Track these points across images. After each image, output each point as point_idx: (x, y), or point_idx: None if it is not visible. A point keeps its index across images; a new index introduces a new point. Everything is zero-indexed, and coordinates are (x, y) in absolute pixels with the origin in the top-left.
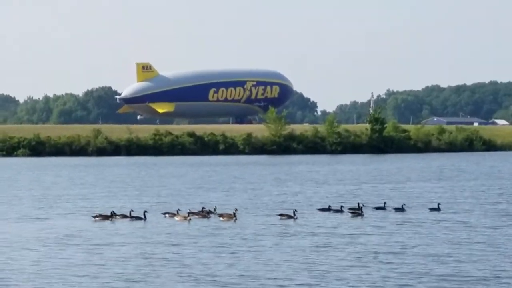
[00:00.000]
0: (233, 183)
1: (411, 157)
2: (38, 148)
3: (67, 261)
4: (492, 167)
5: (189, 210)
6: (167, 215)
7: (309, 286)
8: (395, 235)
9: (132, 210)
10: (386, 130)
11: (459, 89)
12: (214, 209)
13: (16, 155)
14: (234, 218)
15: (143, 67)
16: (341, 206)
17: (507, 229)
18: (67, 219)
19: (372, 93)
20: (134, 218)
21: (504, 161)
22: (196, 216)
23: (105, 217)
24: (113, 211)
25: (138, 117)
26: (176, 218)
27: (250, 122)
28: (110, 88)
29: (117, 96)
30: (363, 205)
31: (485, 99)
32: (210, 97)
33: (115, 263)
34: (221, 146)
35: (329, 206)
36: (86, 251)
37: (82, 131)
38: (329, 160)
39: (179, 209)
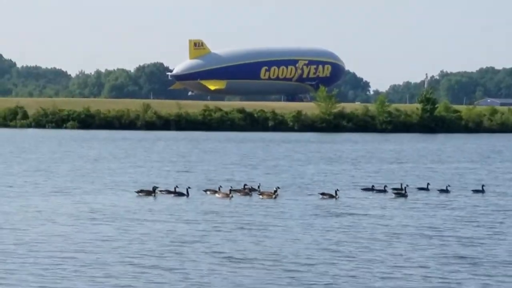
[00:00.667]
0: (277, 160)
1: (461, 137)
2: (87, 121)
3: (96, 235)
4: None
5: (231, 187)
6: (208, 192)
7: (329, 265)
8: (432, 216)
9: (177, 186)
10: (438, 110)
11: None
12: (258, 187)
13: (66, 128)
14: (274, 196)
15: (195, 44)
16: (385, 186)
17: None
18: (107, 194)
19: (426, 74)
20: (177, 194)
21: None
22: (238, 194)
23: (148, 193)
24: (155, 186)
25: (189, 93)
26: (217, 195)
27: (301, 100)
28: (162, 64)
29: (169, 73)
30: (406, 186)
31: None
32: (261, 75)
33: (144, 238)
34: (271, 123)
35: (372, 186)
36: (118, 227)
37: (132, 105)
38: (377, 139)
39: (220, 186)
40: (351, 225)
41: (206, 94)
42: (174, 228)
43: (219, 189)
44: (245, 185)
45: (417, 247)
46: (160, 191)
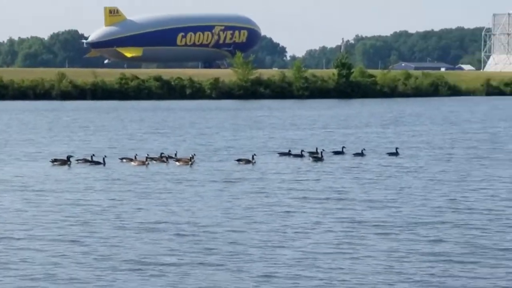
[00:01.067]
0: (192, 127)
1: (376, 102)
2: (0, 92)
3: (2, 207)
4: (452, 112)
5: (147, 155)
6: (124, 160)
7: (239, 233)
8: (345, 180)
9: (93, 155)
10: (353, 75)
11: (427, 35)
12: (175, 155)
13: None
14: (190, 163)
15: (110, 11)
16: (302, 151)
17: (449, 174)
18: (18, 165)
19: (343, 38)
20: (93, 163)
21: (464, 106)
22: (154, 161)
23: (63, 162)
24: (70, 155)
25: (105, 61)
26: (133, 163)
27: (218, 67)
28: (76, 31)
29: (84, 40)
30: (322, 150)
31: (452, 45)
32: (178, 42)
33: (53, 209)
34: (188, 91)
35: (289, 150)
36: (27, 197)
37: (46, 74)
38: (293, 105)
39: (136, 154)
40: (265, 191)
41: (122, 61)
42: (85, 198)
43: (135, 157)
44: (161, 153)
45: (327, 211)
46: (77, 160)
